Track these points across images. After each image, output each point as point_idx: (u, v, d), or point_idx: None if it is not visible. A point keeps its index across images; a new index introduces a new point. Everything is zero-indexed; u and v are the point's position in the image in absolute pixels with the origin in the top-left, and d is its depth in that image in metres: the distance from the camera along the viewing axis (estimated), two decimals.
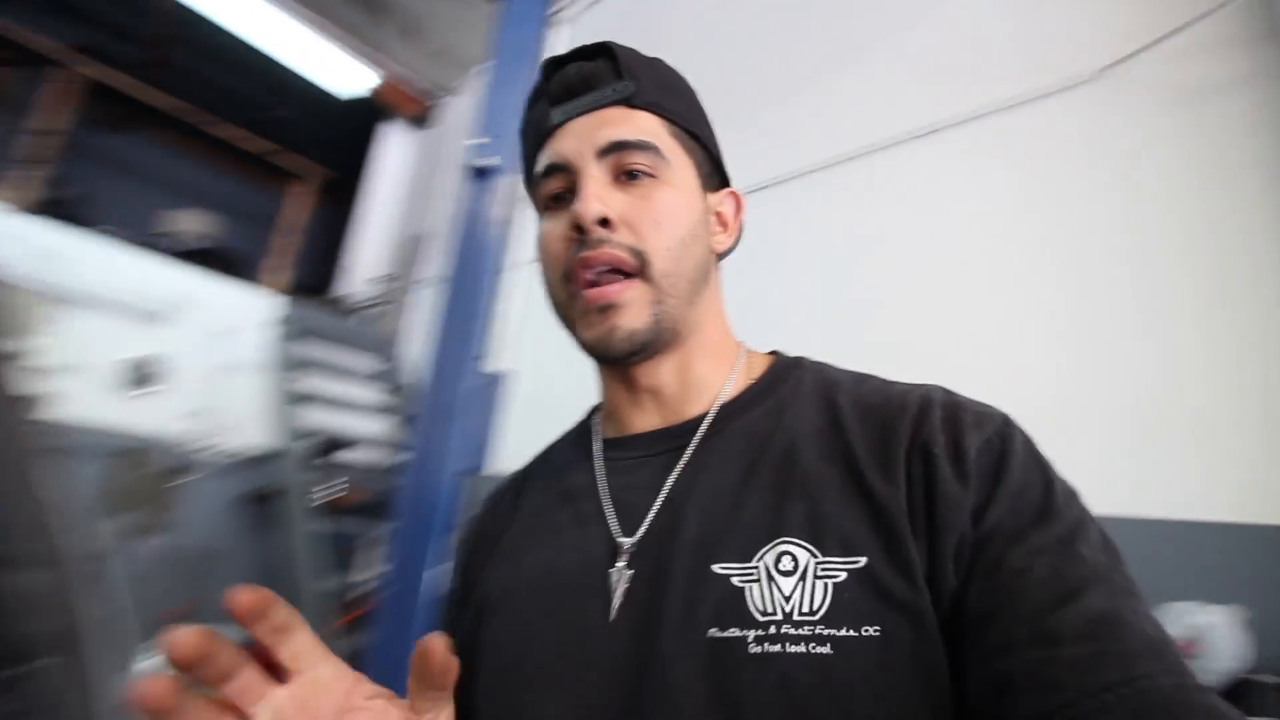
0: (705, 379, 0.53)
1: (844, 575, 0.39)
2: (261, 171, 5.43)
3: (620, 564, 0.46)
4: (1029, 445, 0.43)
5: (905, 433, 0.43)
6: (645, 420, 0.54)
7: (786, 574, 0.40)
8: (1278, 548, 1.42)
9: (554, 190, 0.52)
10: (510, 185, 2.13)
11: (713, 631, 0.40)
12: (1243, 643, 1.23)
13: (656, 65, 0.54)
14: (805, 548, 0.41)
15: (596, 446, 0.55)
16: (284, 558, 3.07)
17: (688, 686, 0.39)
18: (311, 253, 5.13)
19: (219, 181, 5.71)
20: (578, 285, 0.48)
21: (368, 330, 4.79)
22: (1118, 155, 2.03)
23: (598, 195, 0.48)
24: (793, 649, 0.38)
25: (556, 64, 0.52)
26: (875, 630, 0.38)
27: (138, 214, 4.98)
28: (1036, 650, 0.33)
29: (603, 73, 0.51)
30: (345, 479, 3.32)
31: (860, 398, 0.48)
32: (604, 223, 0.48)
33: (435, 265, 4.90)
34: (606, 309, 0.48)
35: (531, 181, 0.55)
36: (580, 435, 0.59)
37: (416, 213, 5.30)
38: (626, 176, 0.49)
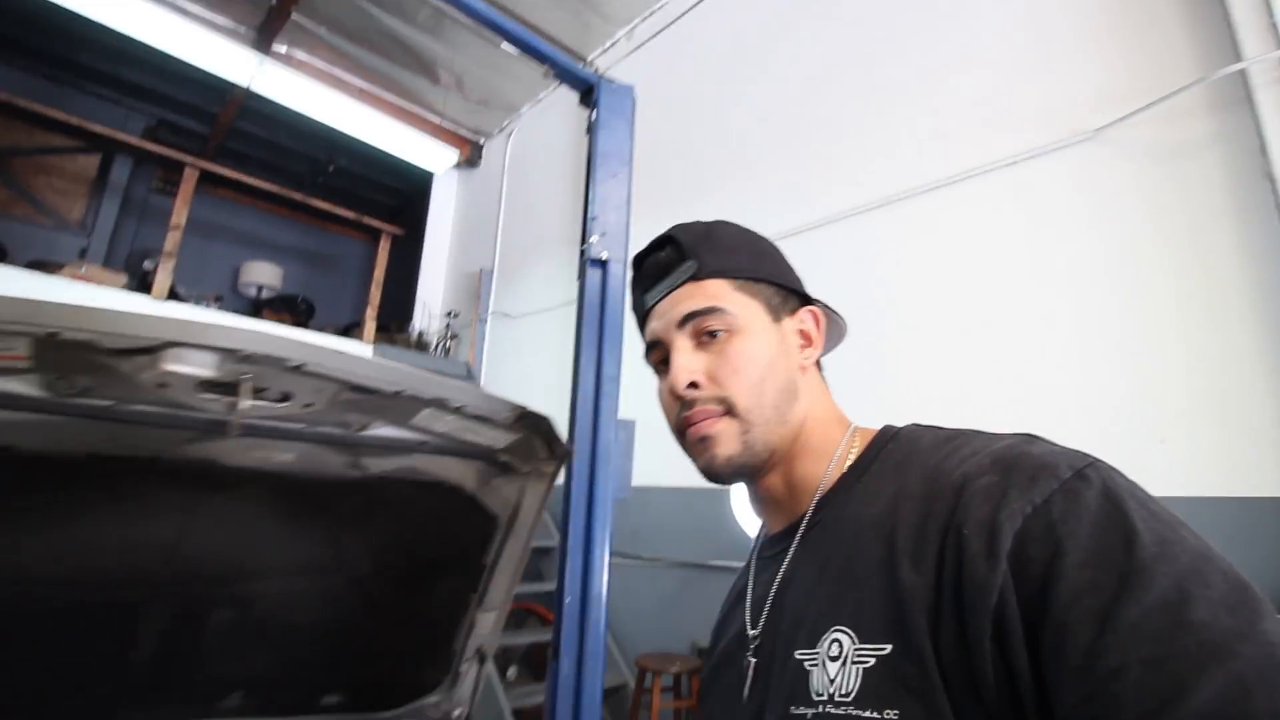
0: (808, 476, 0.58)
1: (873, 661, 0.42)
2: (332, 226, 5.93)
3: (748, 652, 0.58)
4: (1108, 495, 0.38)
5: (942, 513, 0.43)
6: (775, 521, 0.62)
7: (834, 659, 0.45)
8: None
9: (657, 359, 0.63)
10: (621, 270, 2.62)
11: (791, 708, 0.48)
12: None
13: (715, 233, 0.63)
14: (848, 634, 0.45)
15: (759, 541, 0.66)
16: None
17: None
18: (386, 295, 5.66)
19: (289, 234, 6.21)
20: (684, 431, 0.59)
21: (448, 363, 5.30)
22: (1111, 201, 2.48)
23: (685, 365, 0.58)
24: None
25: (639, 258, 0.66)
26: (894, 714, 0.40)
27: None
28: None
29: (671, 258, 0.62)
30: None
31: (928, 472, 0.48)
32: (692, 385, 0.57)
33: (494, 299, 5.41)
34: (704, 440, 0.57)
35: (646, 347, 0.65)
36: (762, 529, 0.68)
37: (471, 250, 5.79)
38: (707, 336, 0.58)
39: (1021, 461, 0.42)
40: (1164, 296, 2.32)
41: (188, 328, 0.62)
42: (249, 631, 1.06)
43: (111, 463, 0.72)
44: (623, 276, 2.64)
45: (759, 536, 0.67)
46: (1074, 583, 0.35)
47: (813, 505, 0.57)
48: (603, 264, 2.58)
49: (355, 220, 5.30)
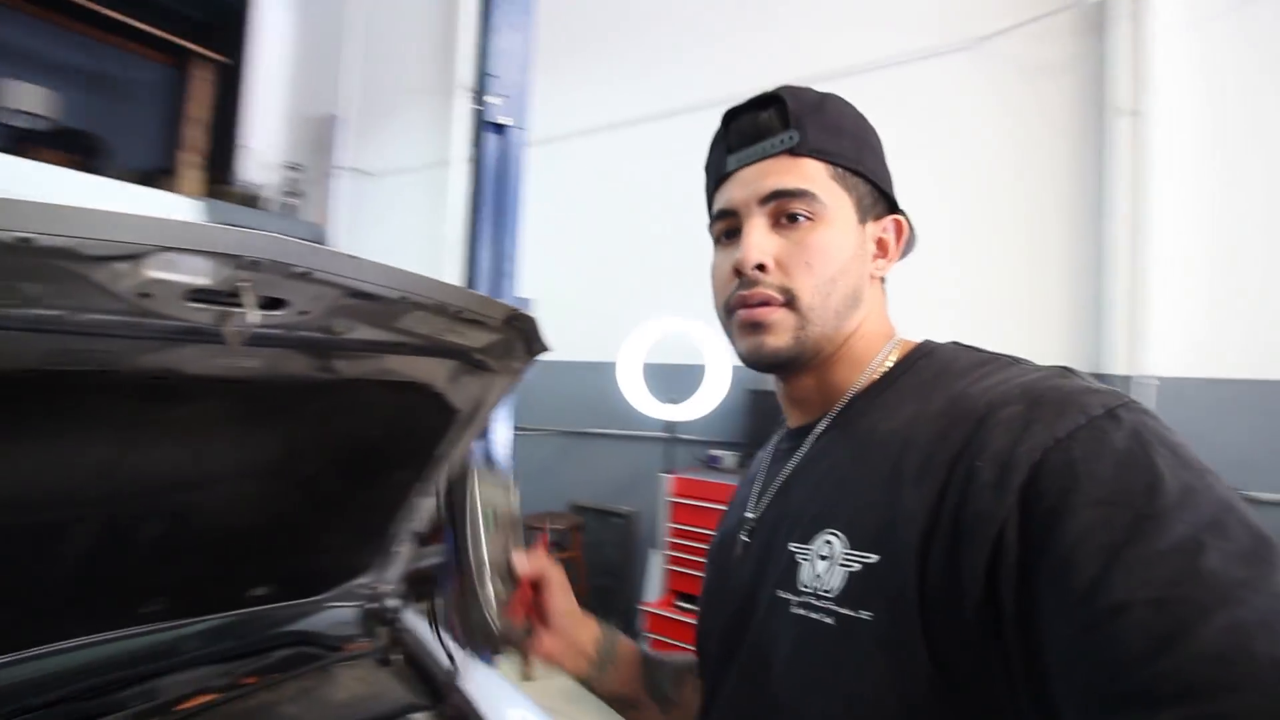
0: (841, 381, 0.57)
1: (859, 567, 0.45)
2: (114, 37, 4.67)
3: (742, 533, 0.61)
4: (1137, 436, 0.38)
5: (959, 439, 0.43)
6: (796, 417, 0.62)
7: (824, 558, 0.48)
8: None
9: (724, 229, 0.58)
10: (522, 138, 2.43)
11: (777, 591, 0.51)
12: None
13: (826, 107, 0.57)
14: (840, 537, 0.47)
15: (780, 433, 0.66)
16: None
17: (758, 624, 0.53)
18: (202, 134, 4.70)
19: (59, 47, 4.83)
20: (734, 311, 0.56)
21: (292, 224, 4.69)
22: (980, 110, 2.73)
23: (757, 245, 0.54)
24: (813, 616, 0.46)
25: (734, 113, 0.58)
26: (867, 615, 0.43)
27: None
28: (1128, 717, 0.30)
29: (772, 123, 0.55)
30: None
31: (955, 396, 0.47)
32: (760, 267, 0.54)
33: (351, 153, 4.77)
34: (756, 327, 0.54)
35: (710, 213, 0.61)
36: (782, 423, 0.67)
37: (316, 90, 4.95)
38: (787, 219, 0.54)
39: (1050, 395, 0.42)
40: (1005, 200, 2.66)
41: (181, 230, 0.51)
42: (181, 539, 0.99)
43: (57, 378, 0.60)
44: (522, 145, 2.45)
45: (780, 428, 0.67)
46: (1087, 519, 0.35)
47: (837, 409, 0.57)
48: (502, 129, 2.37)
49: (155, 36, 4.24)
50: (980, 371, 0.49)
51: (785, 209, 0.54)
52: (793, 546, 0.52)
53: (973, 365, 0.50)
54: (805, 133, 0.55)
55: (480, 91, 2.38)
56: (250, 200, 4.63)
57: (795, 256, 0.54)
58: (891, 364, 0.56)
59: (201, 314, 0.59)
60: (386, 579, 1.44)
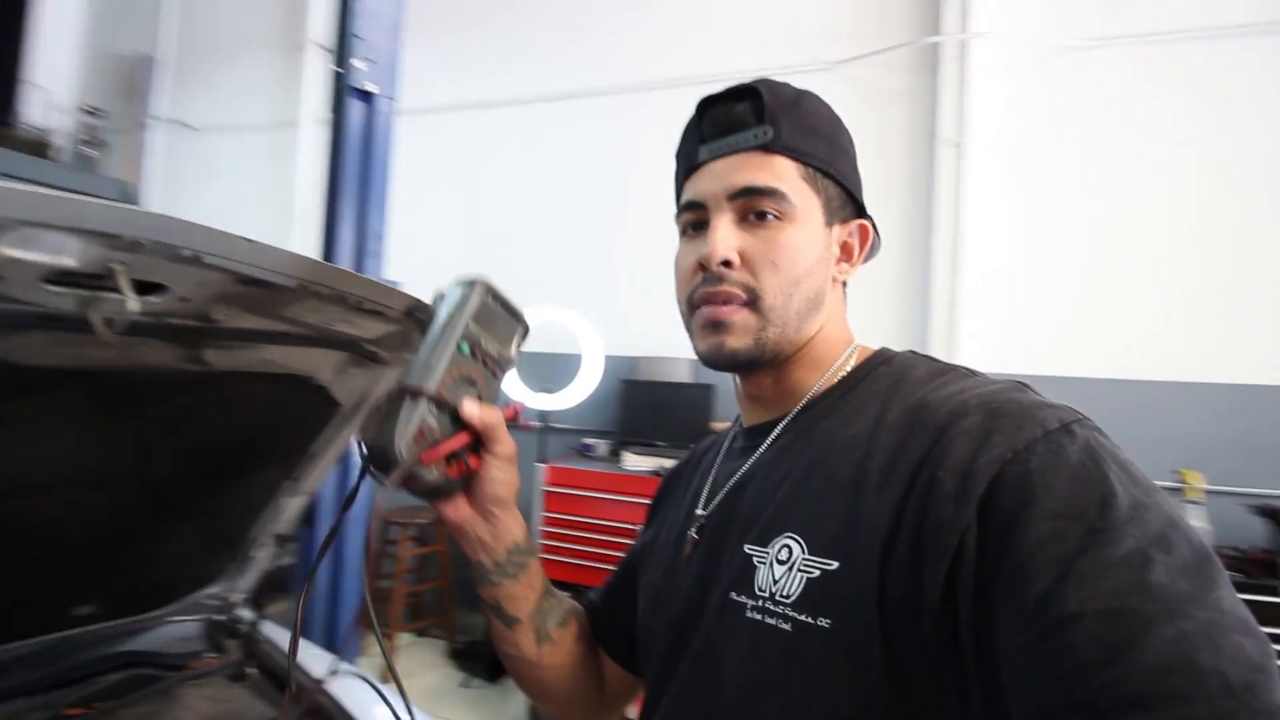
0: (799, 383, 0.57)
1: (818, 573, 0.44)
2: None
3: (692, 529, 0.60)
4: (1091, 452, 0.39)
5: (920, 447, 0.43)
6: (753, 415, 0.61)
7: (782, 563, 0.47)
8: None
9: (691, 220, 0.57)
10: (389, 108, 2.27)
11: (731, 593, 0.50)
12: None
13: (802, 104, 0.56)
14: (799, 542, 0.47)
15: (733, 431, 0.66)
16: None
17: (709, 625, 0.52)
18: None
19: None
20: (697, 307, 0.55)
21: (89, 179, 3.99)
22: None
23: (724, 240, 0.53)
24: (768, 621, 0.46)
25: (709, 102, 0.57)
26: (825, 623, 0.43)
27: None
28: None
29: (746, 116, 0.54)
30: None
31: (913, 406, 0.48)
32: (725, 264, 0.53)
33: (167, 101, 4.15)
34: (718, 326, 0.54)
35: (677, 204, 0.60)
36: (738, 417, 0.66)
37: (121, 24, 4.22)
38: (755, 217, 0.53)
39: (1009, 408, 0.42)
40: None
41: (46, 203, 0.44)
42: None
43: None
44: (391, 114, 2.29)
45: (734, 425, 0.66)
46: (1041, 530, 0.36)
47: (795, 411, 0.57)
48: (368, 97, 2.20)
49: None
50: (939, 381, 0.50)
51: (754, 206, 0.54)
52: (749, 548, 0.51)
53: (931, 375, 0.51)
54: (779, 130, 0.54)
55: (343, 52, 2.18)
56: (36, 147, 3.87)
57: (761, 255, 0.53)
58: (850, 369, 0.57)
59: (61, 299, 0.51)
60: (239, 588, 1.31)
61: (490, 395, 0.59)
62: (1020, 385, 0.47)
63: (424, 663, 3.08)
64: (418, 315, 0.85)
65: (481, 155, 3.55)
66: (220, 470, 0.98)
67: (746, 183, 0.54)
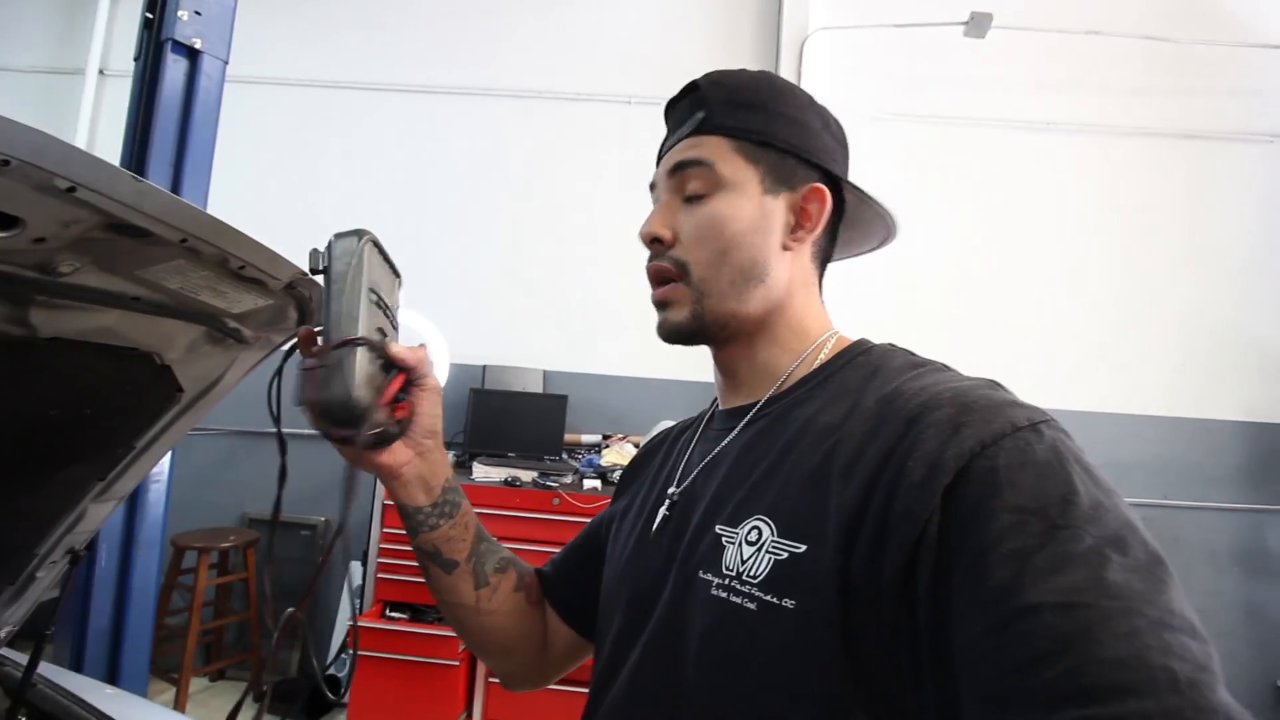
0: (771, 365, 0.59)
1: (785, 555, 0.46)
2: None
3: (663, 507, 0.61)
4: (1057, 451, 0.40)
5: (889, 436, 0.45)
6: (728, 398, 0.63)
7: (751, 544, 0.48)
8: None
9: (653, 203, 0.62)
10: (220, 71, 2.02)
11: (698, 571, 0.51)
12: None
13: (735, 84, 0.59)
14: (769, 524, 0.48)
15: (709, 413, 0.67)
16: None
17: (673, 601, 0.53)
18: None
19: None
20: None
21: None
22: None
23: (652, 218, 0.58)
24: (734, 599, 0.47)
25: (672, 102, 0.63)
26: (790, 603, 0.44)
27: None
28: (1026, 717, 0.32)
29: (686, 108, 0.60)
30: None
31: (888, 395, 0.48)
32: (656, 240, 0.57)
33: None
34: (662, 305, 0.59)
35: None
36: (714, 402, 0.68)
37: None
38: (693, 199, 0.57)
39: (980, 403, 0.43)
40: None
41: None
42: None
43: None
44: (220, 79, 2.03)
45: (711, 407, 0.68)
46: (1004, 523, 0.37)
47: (767, 395, 0.58)
48: (193, 54, 1.93)
49: None
50: (914, 373, 0.51)
51: (687, 184, 0.58)
52: (719, 528, 0.52)
53: (906, 366, 0.53)
54: (711, 111, 0.58)
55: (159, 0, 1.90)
56: None
57: (691, 229, 0.57)
58: (827, 356, 0.58)
59: None
60: (6, 619, 1.05)
61: (395, 338, 0.62)
62: (993, 383, 0.47)
63: (226, 709, 2.67)
64: (298, 290, 0.78)
65: (327, 139, 3.26)
66: (14, 464, 0.79)
67: (676, 159, 0.59)
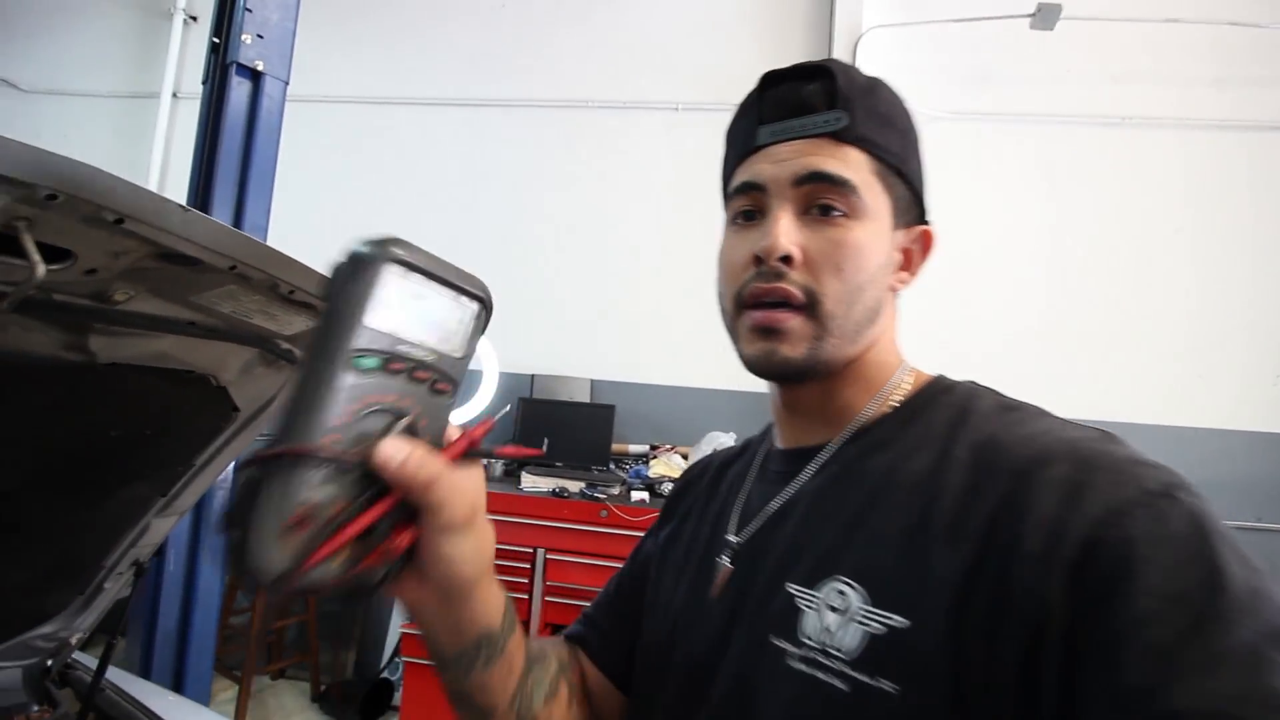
0: (848, 404, 0.52)
1: (882, 629, 0.40)
2: None
3: (722, 556, 0.54)
4: (1197, 523, 0.35)
5: (995, 493, 0.39)
6: (791, 436, 0.56)
7: (835, 610, 0.42)
8: None
9: (744, 207, 0.52)
10: (281, 92, 2.09)
11: (770, 636, 0.46)
12: None
13: (876, 92, 0.51)
14: (856, 589, 0.42)
15: (764, 450, 0.60)
16: None
17: (740, 671, 0.47)
18: None
19: None
20: (747, 307, 0.50)
21: None
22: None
23: (786, 232, 0.48)
24: (820, 676, 0.41)
25: (772, 79, 0.52)
26: (892, 688, 0.38)
27: None
28: None
29: (816, 98, 0.49)
30: None
31: (983, 443, 0.43)
32: (786, 259, 0.48)
33: None
34: (769, 332, 0.49)
35: (726, 188, 0.55)
36: (768, 433, 0.62)
37: None
38: (818, 211, 0.48)
39: (1102, 461, 0.38)
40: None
41: None
42: None
43: None
44: (281, 99, 2.10)
45: (766, 441, 0.61)
46: (1141, 611, 0.32)
47: (844, 435, 0.51)
48: (255, 75, 2.00)
49: None
50: (1011, 418, 0.45)
51: (821, 198, 0.48)
52: (793, 588, 0.46)
53: (998, 410, 0.47)
54: (855, 116, 0.48)
55: (225, 23, 1.98)
56: None
57: (825, 255, 0.48)
58: (905, 395, 0.52)
59: None
60: (78, 626, 1.10)
61: (434, 422, 0.39)
62: (1107, 435, 0.42)
63: (284, 709, 2.75)
64: None
65: (380, 154, 3.35)
66: (81, 482, 0.82)
67: (817, 167, 0.48)
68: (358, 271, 0.35)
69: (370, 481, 0.35)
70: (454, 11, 3.39)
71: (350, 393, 0.34)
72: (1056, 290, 2.98)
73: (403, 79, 3.37)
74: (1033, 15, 2.81)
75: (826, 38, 3.08)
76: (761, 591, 0.49)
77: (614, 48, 3.27)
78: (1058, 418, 0.45)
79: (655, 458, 2.84)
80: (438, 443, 0.39)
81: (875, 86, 0.52)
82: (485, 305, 0.40)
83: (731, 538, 0.55)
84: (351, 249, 0.35)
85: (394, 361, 0.36)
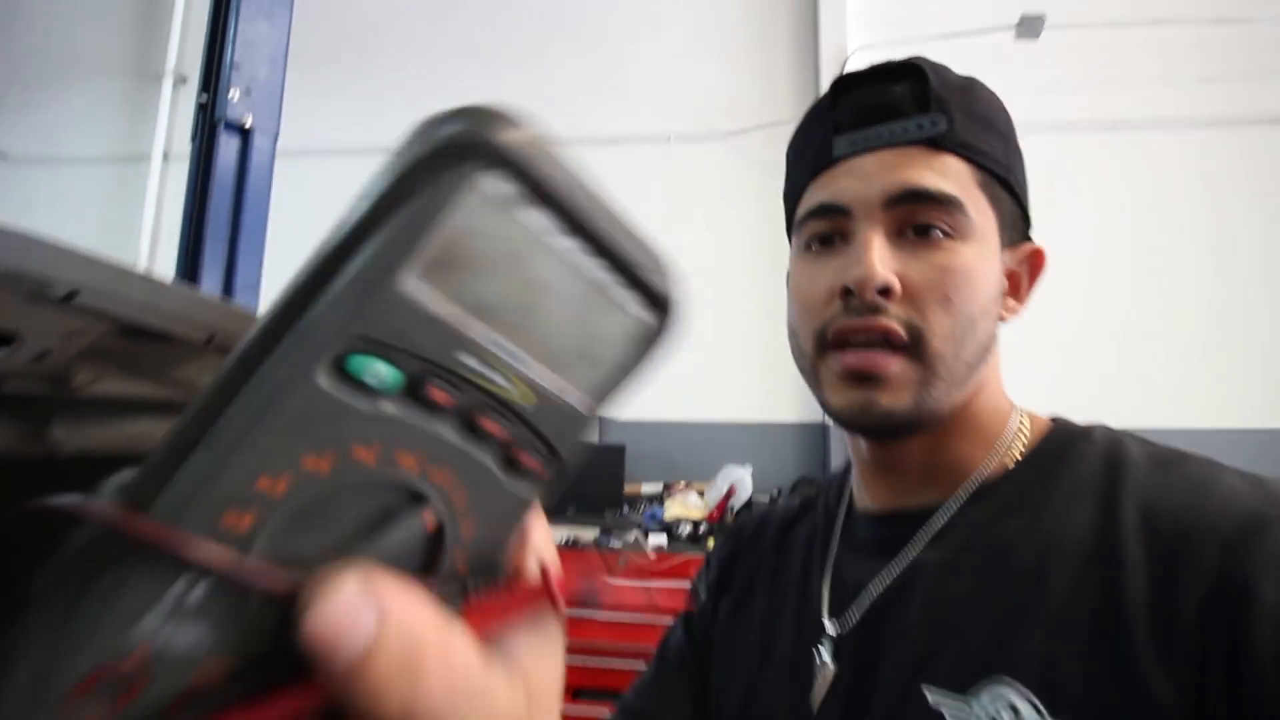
0: (960, 460, 0.44)
1: None
2: None
3: (824, 649, 0.44)
4: None
5: (1205, 574, 0.32)
6: (886, 496, 0.47)
7: None
8: None
9: (821, 231, 0.44)
10: (270, 145, 2.06)
11: None
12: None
13: (974, 91, 0.44)
14: (1031, 701, 0.34)
15: (843, 511, 0.51)
16: None
17: None
18: None
19: None
20: (833, 348, 0.42)
21: None
22: (725, 195, 3.14)
23: (882, 259, 0.40)
24: None
25: (849, 82, 0.45)
26: None
27: None
28: None
29: (905, 101, 0.42)
30: None
31: (1154, 501, 0.36)
32: (884, 291, 0.40)
33: None
34: (865, 380, 0.41)
35: (793, 210, 0.47)
36: (841, 489, 0.53)
37: None
38: (915, 233, 0.41)
39: None
40: (750, 278, 3.07)
41: None
42: None
43: None
44: (270, 153, 2.06)
45: (842, 500, 0.52)
46: None
47: (962, 496, 0.43)
48: (244, 132, 1.97)
49: None
50: (1179, 472, 0.38)
51: (919, 218, 0.41)
52: (934, 694, 0.37)
53: (1159, 461, 0.39)
54: (954, 120, 0.41)
55: (212, 81, 1.96)
56: None
57: (930, 285, 0.40)
58: (1026, 444, 0.44)
59: None
60: None
61: (488, 530, 0.18)
62: None
63: None
64: None
65: None
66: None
67: (913, 184, 0.40)
68: (418, 173, 0.16)
69: (286, 642, 0.14)
70: (444, 56, 3.42)
71: (314, 429, 0.14)
72: (1059, 301, 2.93)
73: (395, 128, 3.37)
74: (1017, 26, 2.83)
75: (813, 63, 3.09)
76: (889, 699, 0.40)
77: (602, 82, 3.29)
78: (1231, 468, 0.38)
79: (670, 496, 2.75)
80: (486, 577, 0.18)
81: (971, 85, 0.45)
82: (665, 310, 0.19)
83: (829, 624, 0.45)
84: (423, 123, 0.17)
85: (435, 380, 0.15)
